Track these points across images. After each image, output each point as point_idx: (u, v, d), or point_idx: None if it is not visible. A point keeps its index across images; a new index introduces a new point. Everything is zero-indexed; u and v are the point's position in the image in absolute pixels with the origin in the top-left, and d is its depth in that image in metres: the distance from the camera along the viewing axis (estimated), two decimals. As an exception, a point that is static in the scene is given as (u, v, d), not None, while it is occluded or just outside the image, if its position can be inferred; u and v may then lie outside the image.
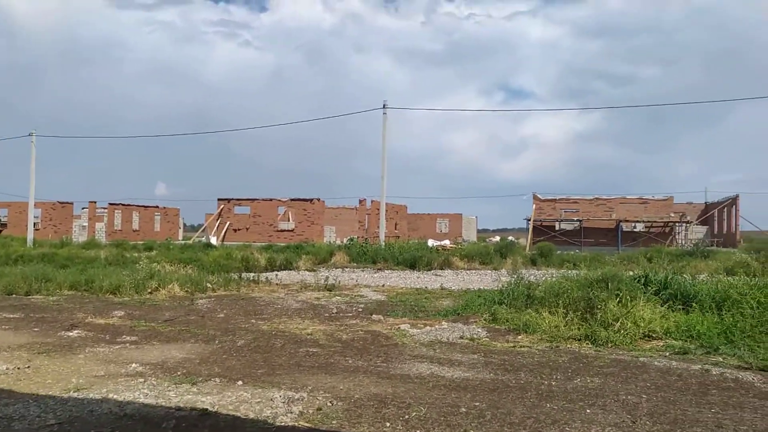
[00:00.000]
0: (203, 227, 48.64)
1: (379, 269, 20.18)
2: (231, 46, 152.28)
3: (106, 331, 8.13)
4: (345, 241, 30.00)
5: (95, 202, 49.75)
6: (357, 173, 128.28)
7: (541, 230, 44.60)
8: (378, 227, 35.13)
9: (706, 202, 54.95)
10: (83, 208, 52.45)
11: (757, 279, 8.53)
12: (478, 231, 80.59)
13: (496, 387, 5.35)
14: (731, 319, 7.40)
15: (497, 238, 54.07)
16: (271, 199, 43.47)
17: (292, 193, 43.99)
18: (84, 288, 12.58)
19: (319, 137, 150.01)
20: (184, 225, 67.86)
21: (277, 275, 16.78)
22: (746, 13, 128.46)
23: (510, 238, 52.75)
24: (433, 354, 6.77)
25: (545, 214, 45.92)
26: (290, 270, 19.79)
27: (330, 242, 39.90)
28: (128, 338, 7.65)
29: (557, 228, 46.12)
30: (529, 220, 44.94)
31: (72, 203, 52.55)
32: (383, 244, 28.27)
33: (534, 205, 45.78)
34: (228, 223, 43.40)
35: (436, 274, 18.64)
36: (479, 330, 8.20)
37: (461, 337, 7.73)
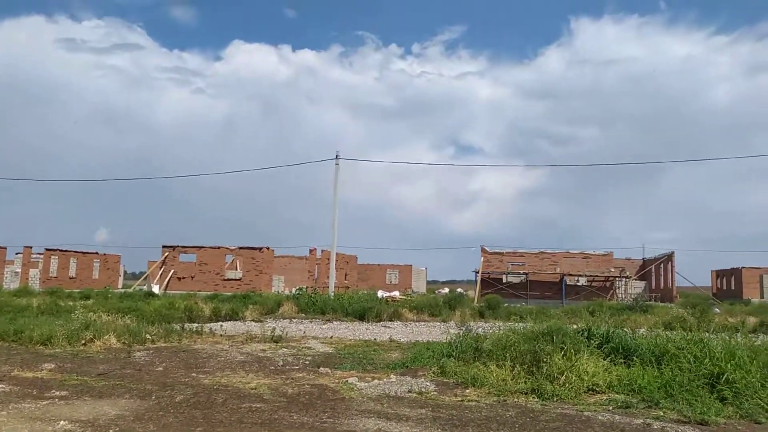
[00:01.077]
0: (145, 275, 46.92)
1: (328, 320, 19.85)
2: (183, 92, 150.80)
3: (34, 386, 7.61)
4: (294, 291, 29.49)
5: (31, 248, 47.37)
6: (308, 223, 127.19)
7: (489, 282, 45.23)
8: (328, 277, 34.79)
9: (643, 258, 57.34)
10: (17, 254, 49.73)
11: (693, 333, 8.85)
12: (428, 282, 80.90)
13: (444, 443, 5.27)
14: (670, 373, 7.62)
15: (446, 290, 54.44)
16: (218, 247, 42.55)
17: (241, 242, 43.18)
18: (12, 339, 11.79)
19: (271, 186, 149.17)
20: (125, 272, 65.26)
21: (222, 326, 16.25)
22: (677, 83, 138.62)
23: (459, 290, 53.22)
24: (380, 408, 6.64)
25: (493, 267, 46.71)
26: (236, 321, 19.20)
27: (278, 292, 39.17)
28: (57, 393, 7.17)
29: (504, 281, 46.88)
30: (478, 272, 45.56)
31: (5, 248, 49.76)
32: (333, 294, 27.95)
33: (482, 258, 46.55)
34: (172, 271, 42.02)
35: (385, 326, 18.49)
36: (428, 383, 8.13)
37: (409, 391, 7.63)
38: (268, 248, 42.51)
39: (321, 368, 9.40)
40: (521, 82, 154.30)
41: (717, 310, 26.66)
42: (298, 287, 30.18)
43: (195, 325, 14.99)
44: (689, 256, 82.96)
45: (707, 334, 8.72)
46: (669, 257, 47.52)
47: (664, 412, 6.56)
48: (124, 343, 11.75)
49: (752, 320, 19.56)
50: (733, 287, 57.70)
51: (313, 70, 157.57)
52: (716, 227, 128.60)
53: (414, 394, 7.47)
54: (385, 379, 8.44)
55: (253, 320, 19.31)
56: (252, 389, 7.61)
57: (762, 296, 51.94)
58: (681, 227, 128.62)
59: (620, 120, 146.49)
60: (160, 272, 42.01)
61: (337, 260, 36.02)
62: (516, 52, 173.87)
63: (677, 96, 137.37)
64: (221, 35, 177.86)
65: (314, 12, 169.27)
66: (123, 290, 38.53)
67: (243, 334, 14.44)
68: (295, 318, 20.45)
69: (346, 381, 8.24)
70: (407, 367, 9.52)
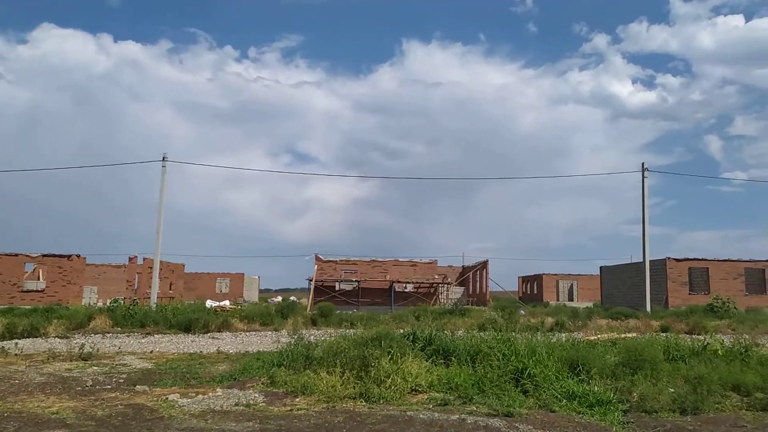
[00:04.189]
0: None
1: (148, 334, 18.36)
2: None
3: None
4: (109, 302, 26.85)
5: None
6: (129, 229, 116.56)
7: (323, 290, 45.66)
8: (150, 287, 32.31)
9: (463, 266, 62.40)
10: None
11: (502, 334, 9.78)
12: (261, 291, 79.34)
13: (270, 455, 5.15)
14: (483, 370, 8.34)
15: (279, 299, 53.81)
16: (16, 254, 37.23)
17: (46, 248, 38.21)
18: None
19: (84, 188, 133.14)
20: None
21: (17, 344, 14.16)
22: (493, 109, 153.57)
23: (292, 298, 52.94)
24: (204, 425, 6.29)
25: (327, 275, 47.26)
26: (36, 338, 16.88)
27: (90, 304, 35.38)
28: None
29: (337, 288, 47.69)
30: (311, 280, 45.75)
31: None
32: (155, 305, 25.98)
33: (316, 266, 46.86)
34: (-46, 281, 35.78)
35: (213, 337, 17.64)
36: (256, 395, 7.90)
37: (236, 404, 7.35)
38: (78, 256, 38.21)
39: (137, 386, 8.64)
40: (356, 95, 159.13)
41: (522, 312, 29.91)
42: (113, 298, 27.55)
43: (-18, 344, 12.88)
44: (501, 263, 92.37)
45: (514, 334, 9.71)
46: (484, 265, 52.25)
47: (476, 407, 7.15)
48: None
49: (550, 320, 22.25)
50: (535, 291, 65.45)
51: (137, 63, 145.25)
52: (524, 238, 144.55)
53: (241, 407, 7.21)
54: (210, 394, 8.02)
55: (57, 336, 17.15)
56: (53, 414, 6.73)
57: (558, 299, 59.60)
58: (495, 238, 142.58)
59: (446, 138, 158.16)
60: (-64, 283, 35.53)
61: (161, 269, 33.59)
62: (352, 66, 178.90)
63: (493, 120, 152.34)
64: (27, 16, 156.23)
65: (141, 2, 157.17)
66: None
67: (44, 352, 12.75)
68: (109, 333, 18.59)
69: (166, 398, 7.68)
70: (235, 379, 9.17)
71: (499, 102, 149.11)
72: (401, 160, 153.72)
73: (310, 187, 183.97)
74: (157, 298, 31.38)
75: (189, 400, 7.61)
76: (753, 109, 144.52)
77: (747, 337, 10.95)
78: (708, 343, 10.34)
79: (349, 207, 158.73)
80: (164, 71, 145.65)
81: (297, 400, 7.59)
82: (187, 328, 19.17)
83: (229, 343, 15.94)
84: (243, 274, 68.80)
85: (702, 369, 8.32)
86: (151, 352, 13.55)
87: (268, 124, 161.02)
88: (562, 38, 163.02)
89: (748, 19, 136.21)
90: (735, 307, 29.04)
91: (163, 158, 30.88)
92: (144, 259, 43.55)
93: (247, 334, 19.18)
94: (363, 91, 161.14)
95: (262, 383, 8.66)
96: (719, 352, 9.92)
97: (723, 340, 10.83)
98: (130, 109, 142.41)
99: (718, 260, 38.16)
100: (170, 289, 50.58)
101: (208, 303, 28.93)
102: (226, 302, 33.52)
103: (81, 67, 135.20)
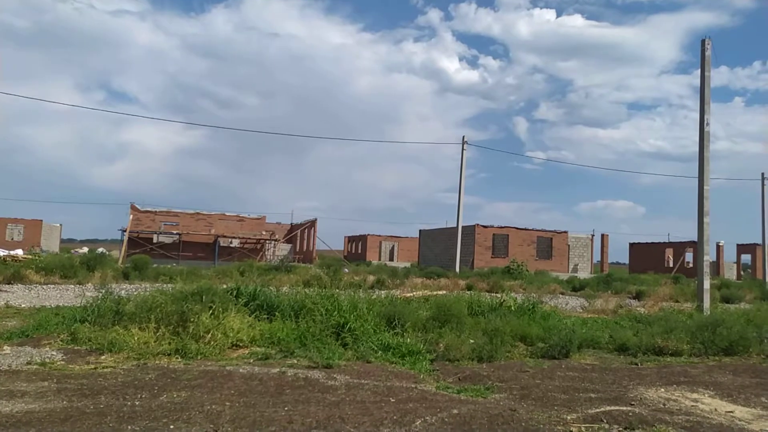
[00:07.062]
0: None
1: None
2: None
3: None
4: None
5: None
6: None
7: (138, 242, 42.44)
8: None
9: (291, 223, 62.41)
10: None
11: (326, 290, 10.03)
12: (63, 241, 71.39)
13: (69, 416, 4.71)
14: (306, 325, 8.50)
15: (85, 250, 48.83)
16: None
17: None
18: None
19: None
20: None
21: None
22: (330, 68, 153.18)
23: (101, 249, 48.34)
24: (-14, 387, 5.52)
25: (143, 226, 43.94)
26: None
27: None
28: None
29: (155, 240, 44.68)
30: (125, 231, 42.20)
31: None
32: (-77, 252, 21.93)
33: (131, 216, 43.24)
34: None
35: (1, 290, 15.48)
36: (54, 353, 7.14)
37: (29, 363, 6.57)
38: None
39: None
40: (186, 35, 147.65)
41: (346, 270, 30.93)
42: None
43: None
44: (328, 222, 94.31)
45: (337, 291, 10.02)
46: (312, 223, 52.79)
47: (298, 360, 7.28)
48: None
49: (371, 278, 23.35)
50: (360, 251, 68.07)
51: None
52: (352, 199, 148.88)
53: (35, 366, 6.47)
54: (-5, 352, 7.06)
55: None
56: None
57: (380, 258, 62.74)
58: (324, 197, 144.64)
59: (280, 92, 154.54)
60: None
61: (-68, 209, 28.29)
62: (182, 2, 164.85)
63: (329, 79, 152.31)
64: None
65: None
66: None
67: None
68: None
69: (-63, 358, 6.60)
70: (28, 336, 8.20)
71: (335, 62, 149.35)
72: (233, 110, 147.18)
73: (128, 130, 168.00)
74: (-73, 243, 26.53)
75: (-33, 360, 6.62)
76: (555, 97, 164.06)
77: (534, 295, 12.60)
78: (504, 301, 11.70)
79: (173, 155, 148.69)
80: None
81: (103, 357, 7.02)
82: (-34, 280, 16.56)
83: (21, 296, 14.14)
84: (41, 220, 60.88)
85: (497, 323, 9.40)
86: None
87: (78, 54, 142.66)
88: (400, 7, 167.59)
89: (558, 14, 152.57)
90: (527, 270, 33.20)
91: (-61, 77, 25.70)
92: None
93: (45, 287, 17.17)
94: (193, 31, 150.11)
95: (61, 340, 7.86)
96: (512, 308, 11.29)
97: (516, 298, 12.34)
98: None
99: (517, 228, 43.07)
100: (-55, 234, 43.04)
101: (-4, 251, 25.13)
102: (19, 251, 29.46)
103: None
